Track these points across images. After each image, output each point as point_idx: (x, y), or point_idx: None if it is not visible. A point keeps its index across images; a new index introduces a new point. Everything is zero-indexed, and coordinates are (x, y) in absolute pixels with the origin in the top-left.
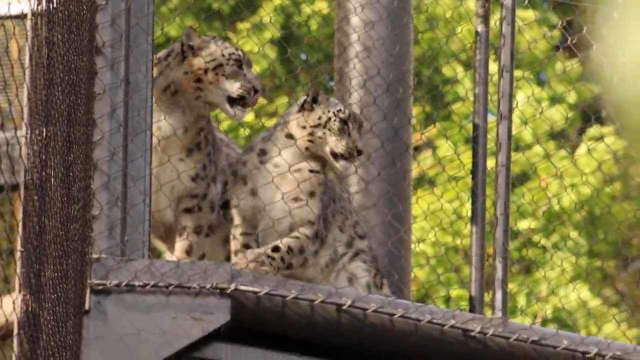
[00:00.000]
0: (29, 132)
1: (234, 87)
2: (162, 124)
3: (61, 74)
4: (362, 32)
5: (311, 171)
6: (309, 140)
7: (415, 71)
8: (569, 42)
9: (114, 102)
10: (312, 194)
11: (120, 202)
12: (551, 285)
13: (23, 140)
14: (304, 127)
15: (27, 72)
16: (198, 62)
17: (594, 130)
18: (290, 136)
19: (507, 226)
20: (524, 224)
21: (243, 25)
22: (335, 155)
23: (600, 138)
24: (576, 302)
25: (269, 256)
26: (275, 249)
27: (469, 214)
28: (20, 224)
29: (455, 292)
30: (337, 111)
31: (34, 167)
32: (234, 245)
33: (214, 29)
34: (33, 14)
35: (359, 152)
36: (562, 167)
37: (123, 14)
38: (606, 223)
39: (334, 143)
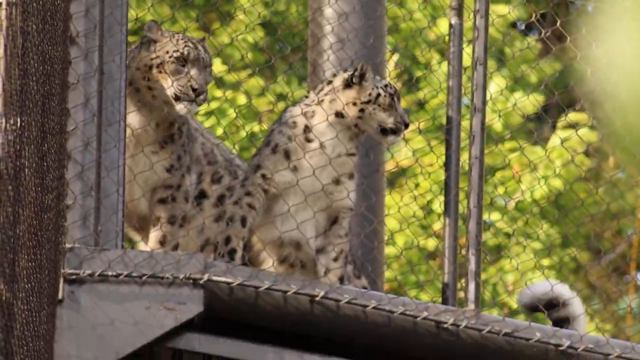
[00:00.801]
0: (3, 121)
1: (173, 85)
2: (131, 119)
3: (35, 64)
4: (335, 24)
5: (348, 155)
6: (359, 117)
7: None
8: (542, 35)
9: (87, 92)
10: (351, 176)
11: (94, 192)
12: (520, 272)
13: None
14: (355, 104)
15: (2, 61)
16: (145, 58)
17: (567, 119)
18: (339, 114)
19: (481, 219)
20: (495, 216)
21: (215, 16)
22: (384, 130)
23: (573, 126)
24: None
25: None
26: (336, 258)
27: (442, 207)
28: None
29: (424, 278)
30: (385, 86)
31: (8, 157)
32: (232, 210)
33: (190, 18)
34: (8, 4)
35: (407, 126)
36: (534, 158)
37: (97, 4)
38: (578, 216)
39: (384, 118)
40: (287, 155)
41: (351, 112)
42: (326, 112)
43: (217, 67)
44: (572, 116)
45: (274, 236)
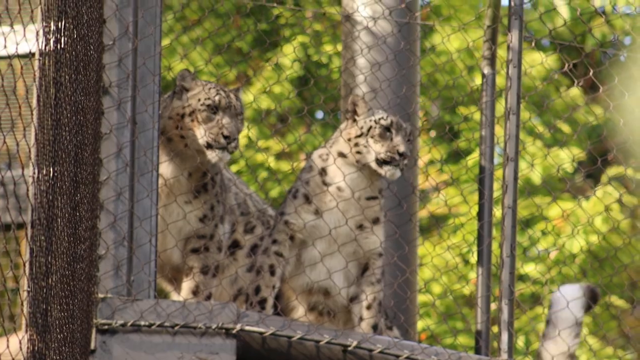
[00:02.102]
0: (36, 171)
1: (203, 134)
2: (165, 169)
3: (68, 114)
4: (368, 74)
5: (368, 199)
6: (357, 152)
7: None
8: (575, 85)
9: (120, 142)
10: (375, 221)
11: (126, 242)
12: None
13: (30, 180)
14: (349, 140)
15: (35, 112)
16: (177, 107)
17: (605, 175)
18: (342, 154)
19: (514, 268)
20: (529, 267)
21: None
22: (378, 161)
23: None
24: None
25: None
26: (369, 306)
27: (475, 256)
28: (27, 264)
29: (460, 338)
30: (379, 119)
31: (41, 207)
32: (260, 260)
33: (234, 66)
34: (40, 54)
35: (402, 155)
36: (572, 211)
37: (130, 55)
38: (613, 266)
39: (377, 149)
40: (307, 199)
41: (348, 149)
42: (335, 155)
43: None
44: (613, 170)
45: (303, 284)
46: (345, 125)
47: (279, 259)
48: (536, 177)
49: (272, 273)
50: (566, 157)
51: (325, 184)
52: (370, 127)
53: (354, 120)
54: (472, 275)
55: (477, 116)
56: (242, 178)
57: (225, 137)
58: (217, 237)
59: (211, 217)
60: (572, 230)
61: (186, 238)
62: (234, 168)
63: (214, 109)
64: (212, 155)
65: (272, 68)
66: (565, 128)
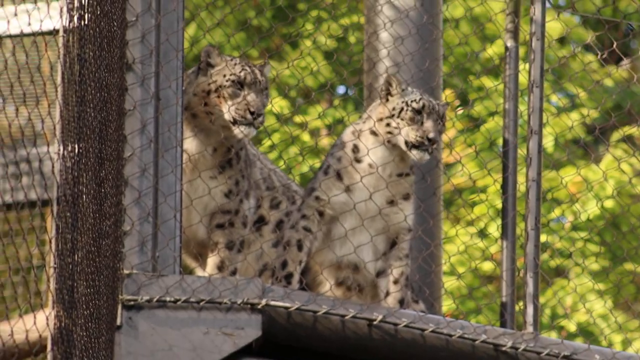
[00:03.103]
0: (61, 148)
1: (230, 109)
2: (189, 145)
3: (93, 91)
4: (391, 48)
5: (399, 175)
6: (388, 132)
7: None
8: (598, 57)
9: (144, 118)
10: (406, 197)
11: (151, 218)
12: (578, 293)
13: (56, 157)
14: (381, 120)
15: (59, 88)
16: (203, 83)
17: (622, 131)
18: (373, 132)
19: (538, 241)
20: (551, 238)
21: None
22: (408, 144)
23: (625, 140)
24: (600, 315)
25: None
26: (396, 281)
27: (500, 230)
28: (53, 240)
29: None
30: (411, 101)
31: (67, 183)
32: (288, 234)
33: (255, 42)
34: (65, 31)
35: (431, 141)
36: (591, 178)
37: (153, 31)
38: (637, 237)
39: (406, 132)
40: (339, 176)
41: (380, 128)
42: (367, 133)
43: (276, 99)
44: (627, 129)
45: (332, 259)
46: (378, 103)
47: (307, 234)
48: (549, 145)
49: (300, 248)
50: (576, 119)
51: (357, 160)
52: (402, 109)
53: (387, 100)
54: (493, 249)
55: (494, 86)
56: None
57: (252, 113)
58: (242, 212)
59: (236, 192)
60: (587, 194)
61: (211, 213)
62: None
63: (239, 84)
64: (238, 131)
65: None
66: (583, 95)
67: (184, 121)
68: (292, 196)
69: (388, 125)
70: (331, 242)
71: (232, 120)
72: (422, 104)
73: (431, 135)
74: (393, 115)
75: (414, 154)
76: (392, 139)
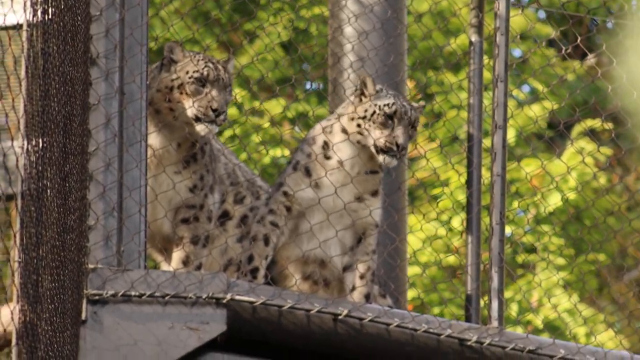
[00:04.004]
0: (25, 142)
1: (192, 107)
2: (153, 140)
3: (57, 85)
4: (356, 42)
5: (367, 173)
6: (358, 133)
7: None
8: (562, 52)
9: (108, 112)
10: (374, 194)
11: (116, 213)
12: (543, 288)
13: (20, 151)
14: (353, 119)
15: (23, 83)
16: (165, 79)
17: (584, 125)
18: (344, 131)
19: (503, 236)
20: (511, 229)
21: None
22: (376, 148)
23: (589, 134)
24: (566, 310)
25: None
26: (362, 276)
27: (464, 224)
28: (17, 235)
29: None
30: (383, 105)
31: (31, 178)
32: (255, 229)
33: (214, 35)
34: (28, 25)
35: (399, 147)
36: (553, 171)
37: (117, 25)
38: (601, 231)
39: (376, 136)
40: (307, 172)
41: (351, 127)
42: (337, 130)
43: (238, 91)
44: (589, 122)
45: (298, 254)
46: (350, 101)
47: (274, 229)
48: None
49: (266, 243)
50: (539, 113)
51: (326, 157)
52: (374, 112)
53: (360, 100)
54: (457, 243)
55: (454, 80)
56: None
57: (214, 111)
58: (206, 207)
59: (201, 187)
60: (547, 187)
61: (176, 208)
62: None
63: (202, 81)
64: (200, 128)
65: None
66: (541, 89)
67: (148, 116)
68: (256, 191)
69: (359, 126)
70: (297, 237)
71: (194, 117)
72: (395, 109)
73: (400, 141)
74: (365, 117)
75: (382, 159)
76: (361, 140)
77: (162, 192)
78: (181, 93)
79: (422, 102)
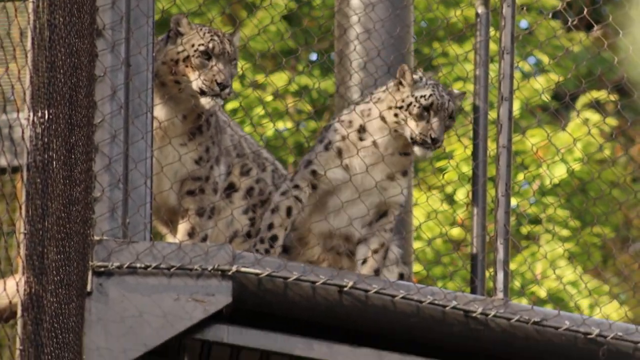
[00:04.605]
0: (31, 114)
1: (198, 80)
2: (159, 112)
3: (63, 57)
4: (362, 14)
5: (402, 154)
6: (395, 122)
7: (415, 49)
8: (569, 23)
9: (114, 84)
10: (404, 173)
11: (121, 185)
12: (548, 260)
13: (25, 123)
14: (390, 108)
15: (29, 54)
16: (171, 52)
17: (589, 95)
18: (382, 117)
19: (509, 207)
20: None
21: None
22: (412, 139)
23: (594, 106)
24: (570, 282)
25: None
26: (376, 250)
27: (470, 196)
28: (23, 207)
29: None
30: (420, 96)
31: (37, 150)
32: (277, 200)
33: (219, 8)
34: None
35: (434, 141)
36: (558, 143)
37: None
38: (606, 203)
39: (412, 127)
40: (339, 153)
41: (388, 116)
42: (375, 115)
43: (242, 63)
44: (594, 94)
45: (324, 229)
46: (390, 89)
47: (297, 203)
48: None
49: (289, 214)
50: (544, 85)
51: (361, 139)
52: (410, 104)
53: (398, 89)
54: (462, 215)
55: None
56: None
57: (219, 84)
58: (212, 179)
59: (206, 159)
60: (552, 158)
61: (182, 180)
62: (229, 106)
63: (207, 54)
64: (205, 101)
65: (263, 7)
66: (547, 61)
67: (154, 89)
68: (262, 163)
69: (396, 115)
70: (323, 211)
71: (199, 90)
72: (431, 101)
73: (435, 135)
74: (402, 107)
75: (417, 150)
76: (398, 128)
77: (167, 164)
78: (187, 66)
79: (463, 90)
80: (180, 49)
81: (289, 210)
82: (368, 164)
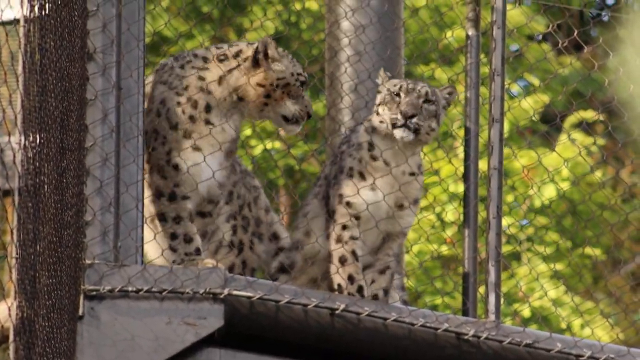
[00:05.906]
0: (22, 138)
1: (293, 109)
2: (227, 126)
3: (54, 81)
4: (352, 37)
5: (411, 174)
6: (380, 122)
7: (406, 72)
8: (559, 45)
9: (105, 107)
10: (415, 201)
11: (113, 208)
12: (533, 278)
13: (17, 147)
14: (377, 113)
15: (20, 78)
16: (271, 77)
17: (577, 115)
18: (375, 127)
19: (500, 229)
20: (508, 221)
21: (230, 31)
22: (389, 126)
23: (582, 125)
24: (553, 301)
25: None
26: (382, 271)
27: (461, 217)
28: (15, 231)
29: (442, 300)
30: (392, 86)
31: (28, 174)
32: (339, 250)
33: (205, 32)
34: (25, 20)
35: (405, 115)
36: (546, 163)
37: (114, 20)
38: (596, 225)
39: (386, 114)
40: (361, 175)
41: (375, 121)
42: (373, 127)
43: None
44: (583, 114)
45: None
46: (375, 105)
47: (356, 242)
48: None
49: (356, 258)
50: (533, 106)
51: (373, 158)
52: (384, 96)
53: (378, 92)
54: (449, 233)
55: (450, 74)
56: None
57: (309, 116)
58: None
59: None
60: (542, 179)
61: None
62: None
63: (304, 85)
64: (289, 129)
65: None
66: (537, 83)
67: (217, 104)
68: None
69: (378, 114)
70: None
71: (291, 117)
72: (400, 85)
73: (403, 107)
74: (380, 104)
75: (396, 134)
76: (384, 128)
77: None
78: (283, 93)
79: (451, 86)
80: (281, 75)
81: (354, 255)
82: (385, 185)
